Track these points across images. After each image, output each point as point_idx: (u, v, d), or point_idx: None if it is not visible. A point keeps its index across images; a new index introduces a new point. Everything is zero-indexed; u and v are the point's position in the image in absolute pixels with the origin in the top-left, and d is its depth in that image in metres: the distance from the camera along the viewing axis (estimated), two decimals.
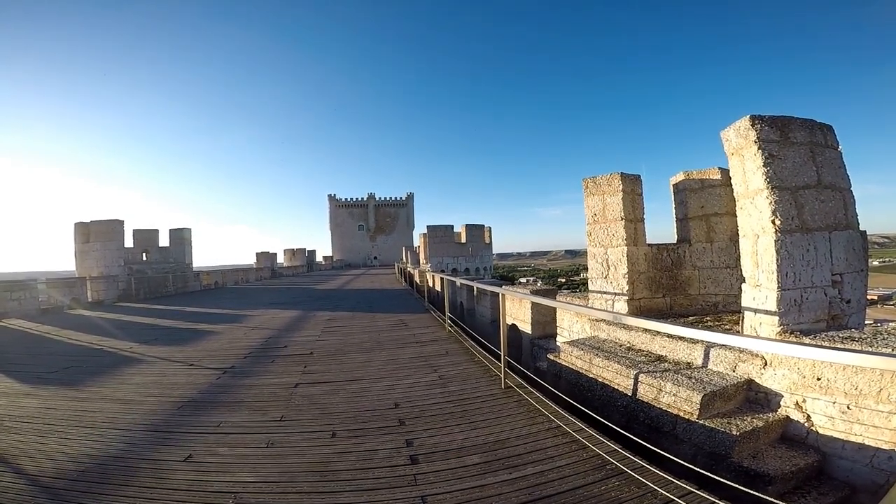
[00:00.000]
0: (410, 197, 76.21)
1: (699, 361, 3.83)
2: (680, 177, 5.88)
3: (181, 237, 21.08)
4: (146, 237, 19.37)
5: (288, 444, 3.15)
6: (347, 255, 69.09)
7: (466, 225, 30.18)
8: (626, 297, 5.38)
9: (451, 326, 7.46)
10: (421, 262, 30.26)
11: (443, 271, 22.47)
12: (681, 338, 4.01)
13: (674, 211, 6.00)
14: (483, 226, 31.78)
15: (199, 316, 11.05)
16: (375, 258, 70.27)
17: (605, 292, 5.69)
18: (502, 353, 4.29)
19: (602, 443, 2.98)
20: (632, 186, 5.52)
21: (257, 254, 38.75)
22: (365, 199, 74.71)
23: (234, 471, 2.75)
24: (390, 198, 76.13)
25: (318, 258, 56.04)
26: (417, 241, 40.74)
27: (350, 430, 3.39)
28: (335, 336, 7.51)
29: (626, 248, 5.36)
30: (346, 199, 75.01)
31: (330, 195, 74.41)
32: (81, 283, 14.75)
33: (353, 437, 3.26)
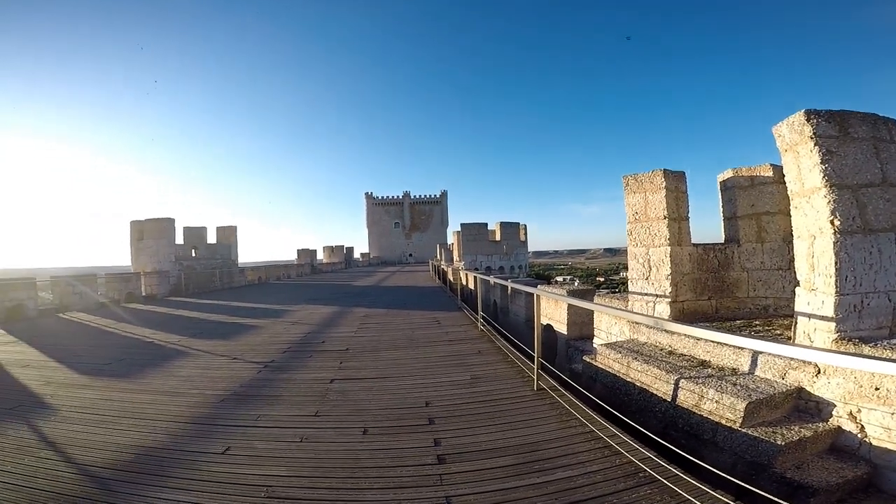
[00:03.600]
0: (444, 195, 76.48)
1: (746, 368, 3.63)
2: (728, 174, 5.56)
3: (228, 234, 22.11)
4: (195, 234, 20.43)
5: (321, 440, 3.21)
6: (384, 253, 70.28)
7: (501, 222, 29.94)
8: (669, 300, 5.15)
9: (483, 325, 7.41)
10: (454, 259, 30.31)
11: (476, 269, 22.40)
12: (725, 343, 3.80)
13: (721, 209, 5.68)
14: (518, 223, 31.43)
15: (242, 311, 11.53)
16: (410, 255, 71.08)
17: (646, 294, 5.48)
18: (536, 355, 4.21)
19: (636, 449, 2.87)
20: (675, 183, 5.27)
21: (298, 251, 40.08)
22: (400, 196, 75.66)
23: (268, 464, 2.82)
24: (425, 195, 76.70)
25: (356, 255, 57.31)
26: (451, 238, 40.81)
27: (381, 427, 3.43)
28: (370, 333, 7.64)
29: (669, 247, 5.12)
30: (382, 196, 76.25)
31: (367, 193, 75.88)
32: (136, 278, 15.72)
33: (384, 434, 3.30)
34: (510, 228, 30.18)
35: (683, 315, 5.19)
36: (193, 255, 20.21)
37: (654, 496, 2.38)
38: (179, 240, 19.28)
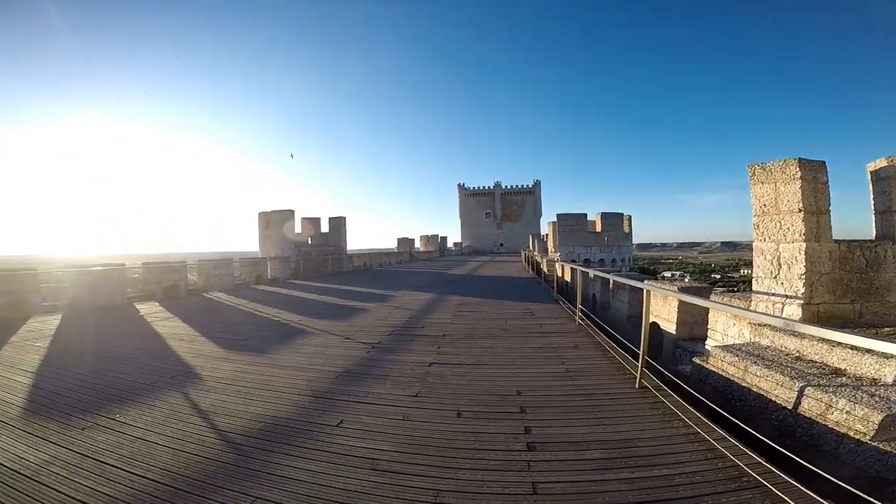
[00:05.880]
0: (537, 185, 74.50)
1: (889, 379, 3.19)
2: (882, 163, 4.72)
3: (338, 224, 24.20)
4: (311, 224, 22.70)
5: (420, 419, 3.43)
6: (475, 242, 70.97)
7: (602, 213, 28.36)
8: (801, 301, 4.54)
9: (581, 319, 7.21)
10: (549, 250, 29.51)
11: (573, 261, 21.60)
12: (869, 350, 3.32)
13: (871, 202, 4.82)
14: (622, 214, 29.48)
15: (352, 294, 12.58)
16: (502, 245, 70.79)
17: (773, 294, 4.90)
18: (641, 352, 4.02)
19: (745, 454, 2.70)
20: (814, 174, 4.60)
21: (398, 239, 42.36)
22: (491, 187, 75.48)
23: (374, 439, 3.08)
24: (517, 186, 75.55)
25: (449, 244, 58.80)
26: (545, 229, 39.75)
27: (473, 411, 3.58)
28: (465, 320, 7.87)
29: (804, 244, 4.51)
30: (474, 187, 76.78)
31: (459, 184, 76.96)
32: (263, 262, 17.91)
33: (476, 418, 3.44)
34: (612, 219, 28.44)
35: (818, 319, 4.56)
36: (309, 242, 22.49)
37: (756, 501, 2.26)
38: (298, 229, 21.59)
